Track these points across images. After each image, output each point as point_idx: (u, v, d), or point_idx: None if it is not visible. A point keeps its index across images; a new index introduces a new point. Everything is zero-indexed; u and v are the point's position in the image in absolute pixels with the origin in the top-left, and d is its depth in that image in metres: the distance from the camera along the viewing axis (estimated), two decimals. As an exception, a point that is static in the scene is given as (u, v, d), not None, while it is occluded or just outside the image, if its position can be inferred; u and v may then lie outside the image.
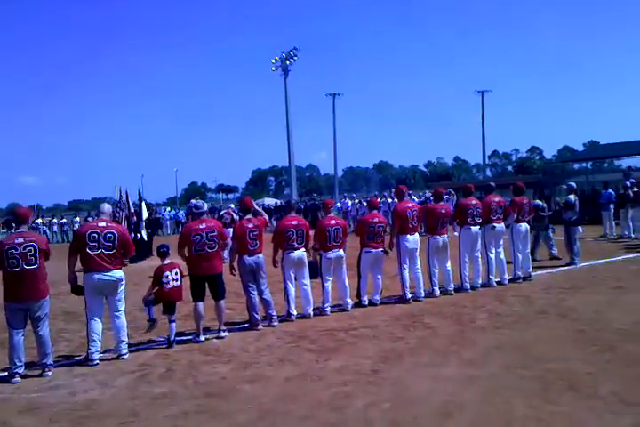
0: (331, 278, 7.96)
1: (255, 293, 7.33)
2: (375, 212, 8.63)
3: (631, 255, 12.17)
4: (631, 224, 15.28)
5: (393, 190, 9.08)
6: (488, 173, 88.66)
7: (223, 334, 6.89)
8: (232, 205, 13.52)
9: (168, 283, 6.55)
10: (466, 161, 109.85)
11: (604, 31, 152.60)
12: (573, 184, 11.90)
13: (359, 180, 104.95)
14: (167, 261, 6.73)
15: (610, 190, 16.71)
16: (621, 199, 15.77)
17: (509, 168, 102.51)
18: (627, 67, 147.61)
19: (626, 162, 34.30)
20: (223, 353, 6.21)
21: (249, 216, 7.51)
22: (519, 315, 7.22)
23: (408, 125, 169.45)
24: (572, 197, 11.30)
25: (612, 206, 16.26)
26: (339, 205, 26.45)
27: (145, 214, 15.59)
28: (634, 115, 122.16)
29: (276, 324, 7.32)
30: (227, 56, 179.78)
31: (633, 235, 15.12)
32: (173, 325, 6.60)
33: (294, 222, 7.72)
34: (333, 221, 8.04)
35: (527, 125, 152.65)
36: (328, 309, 7.87)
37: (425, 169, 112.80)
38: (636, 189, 15.09)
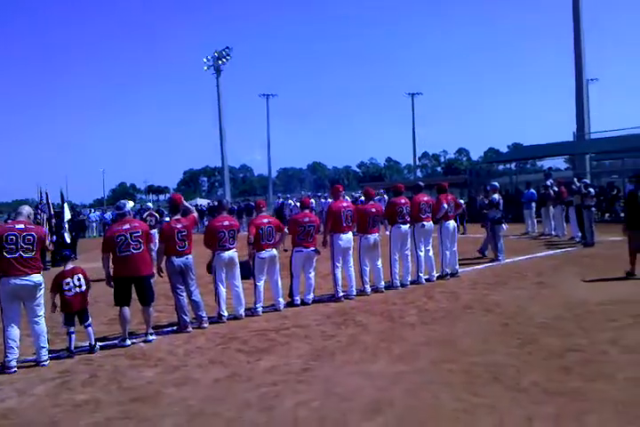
0: (264, 278, 7.89)
1: (184, 294, 7.15)
2: (307, 211, 8.63)
3: (551, 252, 12.76)
4: (552, 222, 16.02)
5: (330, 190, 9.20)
6: (418, 173, 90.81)
7: (151, 337, 6.68)
8: (150, 204, 12.91)
9: (70, 290, 6.25)
10: (397, 162, 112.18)
11: (529, 36, 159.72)
12: (496, 184, 12.37)
13: (293, 180, 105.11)
14: (69, 267, 6.43)
15: (532, 190, 17.48)
16: (542, 198, 16.52)
17: (438, 169, 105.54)
18: (549, 71, 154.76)
19: (547, 163, 36.01)
20: (150, 357, 6.01)
21: (178, 216, 7.31)
22: (447, 310, 7.41)
23: (341, 127, 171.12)
24: (496, 196, 11.71)
25: (533, 205, 17.01)
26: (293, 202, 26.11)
27: (67, 216, 14.91)
28: (555, 118, 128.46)
29: (206, 325, 7.17)
30: (157, 54, 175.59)
31: (553, 232, 15.85)
32: (90, 329, 6.33)
33: (226, 223, 7.59)
34: (266, 220, 7.97)
35: (455, 128, 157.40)
36: (260, 309, 7.79)
37: (358, 170, 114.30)
38: (555, 189, 15.83)
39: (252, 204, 25.67)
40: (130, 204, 7.22)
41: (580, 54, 24.73)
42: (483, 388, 4.55)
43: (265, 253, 7.80)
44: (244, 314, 7.61)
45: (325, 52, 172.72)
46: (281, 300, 8.02)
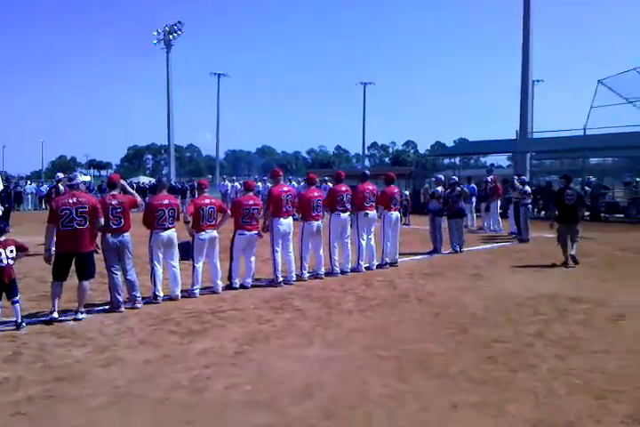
0: (202, 260, 7.78)
1: (119, 273, 6.96)
2: (251, 194, 8.54)
3: (488, 246, 13.16)
4: (490, 217, 16.49)
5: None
6: (367, 162, 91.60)
7: (81, 315, 6.48)
8: (60, 175, 12.25)
9: (1, 261, 6.00)
10: (346, 150, 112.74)
11: (481, 34, 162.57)
12: (441, 176, 12.61)
13: (241, 163, 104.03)
14: (2, 238, 6.15)
15: (473, 185, 17.89)
16: (482, 194, 16.97)
17: (386, 160, 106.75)
18: (498, 71, 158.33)
19: (490, 159, 36.93)
20: (79, 336, 5.84)
21: (114, 192, 7.07)
22: (383, 299, 7.53)
23: (293, 112, 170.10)
24: (439, 188, 11.92)
25: (473, 200, 17.44)
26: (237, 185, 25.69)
27: (0, 186, 14.24)
28: (501, 116, 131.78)
29: (139, 306, 7.02)
30: (106, 24, 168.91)
31: (491, 227, 16.33)
32: (17, 306, 6.07)
33: (165, 201, 7.41)
34: (207, 201, 7.84)
35: (405, 120, 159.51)
36: (197, 291, 7.69)
37: (307, 156, 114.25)
38: (493, 185, 16.29)
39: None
40: (84, 178, 6.93)
41: (527, 55, 25.37)
42: (411, 375, 4.66)
43: (205, 235, 7.68)
44: (180, 295, 7.49)
45: (281, 34, 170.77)
46: (219, 282, 7.94)
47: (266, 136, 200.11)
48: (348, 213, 9.39)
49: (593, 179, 22.21)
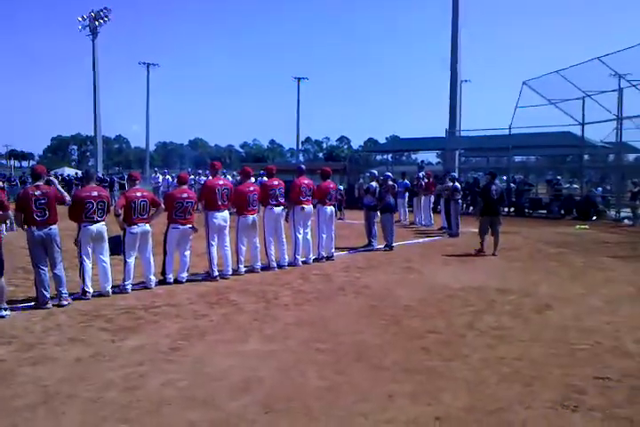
0: (134, 254, 7.55)
1: (46, 268, 6.65)
2: (184, 187, 8.36)
3: (420, 240, 13.48)
4: (422, 212, 16.90)
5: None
6: (301, 157, 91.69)
7: (4, 312, 6.15)
8: None
9: None
10: (281, 145, 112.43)
11: (412, 33, 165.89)
12: (375, 172, 12.73)
13: (172, 155, 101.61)
14: None
15: (405, 180, 18.27)
16: (414, 189, 17.38)
17: (320, 155, 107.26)
18: (430, 70, 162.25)
19: (421, 156, 37.86)
20: (3, 333, 5.55)
21: (38, 183, 6.72)
22: (320, 292, 7.57)
23: (227, 105, 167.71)
24: (373, 183, 12.04)
25: (406, 195, 17.82)
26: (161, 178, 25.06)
27: None
28: (431, 115, 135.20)
29: (66, 302, 6.72)
30: (28, 9, 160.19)
31: (423, 222, 16.74)
32: None
33: (94, 193, 7.13)
34: (139, 193, 7.61)
35: (339, 116, 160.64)
36: (129, 286, 7.46)
37: (241, 150, 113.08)
38: (426, 181, 16.71)
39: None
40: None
41: (455, 56, 26.17)
42: (348, 367, 4.71)
43: (136, 229, 7.45)
44: (110, 291, 7.24)
45: (216, 26, 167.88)
46: (152, 277, 7.74)
47: (198, 129, 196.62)
48: (282, 207, 9.37)
49: (518, 176, 23.20)
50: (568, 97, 19.24)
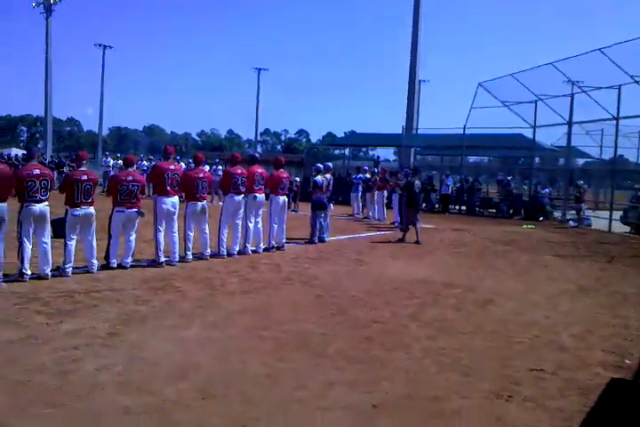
0: (75, 237, 7.30)
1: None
2: (131, 170, 8.13)
3: (372, 233, 13.57)
4: (375, 207, 17.02)
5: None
6: (259, 148, 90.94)
7: None
8: None
9: None
10: (239, 135, 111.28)
11: (374, 31, 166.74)
12: (320, 165, 12.12)
13: (126, 141, 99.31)
14: None
15: (360, 175, 18.36)
16: (368, 184, 17.48)
17: (278, 147, 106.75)
18: (390, 68, 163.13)
19: (378, 152, 38.15)
20: None
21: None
22: (267, 281, 7.51)
23: (184, 93, 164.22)
24: (318, 178, 11.56)
25: (360, 189, 17.91)
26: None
27: None
28: (390, 112, 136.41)
29: (4, 285, 6.45)
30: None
31: (376, 216, 16.87)
32: None
33: (36, 171, 6.85)
34: (85, 177, 7.34)
35: (298, 109, 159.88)
36: (69, 270, 7.21)
37: (198, 138, 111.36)
38: (381, 176, 16.84)
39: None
40: None
41: (415, 56, 26.49)
42: (290, 354, 4.68)
43: (79, 211, 7.20)
44: (50, 274, 6.99)
45: (177, 10, 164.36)
46: (94, 261, 7.49)
47: (154, 115, 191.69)
48: (242, 195, 9.26)
49: (469, 176, 23.65)
50: (521, 100, 19.68)
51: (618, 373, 4.56)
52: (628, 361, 4.84)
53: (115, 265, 7.78)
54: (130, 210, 7.77)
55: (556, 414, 3.74)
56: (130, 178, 7.84)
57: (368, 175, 17.96)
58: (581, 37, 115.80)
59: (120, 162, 24.26)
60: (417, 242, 11.64)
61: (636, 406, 3.99)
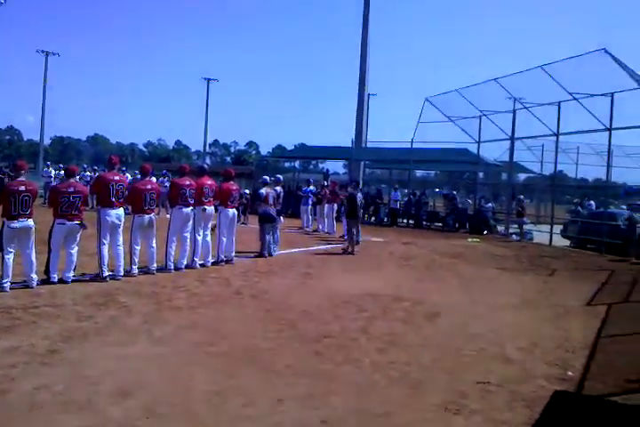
0: (13, 251, 7.00)
1: None
2: (72, 180, 7.88)
3: (322, 247, 13.58)
4: (325, 220, 17.09)
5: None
6: (207, 160, 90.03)
7: None
8: None
9: None
10: (187, 146, 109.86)
11: (319, 44, 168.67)
12: (267, 178, 12.00)
13: (69, 150, 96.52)
14: None
15: (310, 188, 18.42)
16: (318, 197, 17.56)
17: (228, 159, 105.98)
18: (340, 81, 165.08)
19: (328, 165, 38.41)
20: None
21: None
22: (216, 295, 7.39)
23: (129, 102, 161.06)
24: (263, 190, 11.46)
25: (310, 202, 17.96)
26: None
27: None
28: (340, 125, 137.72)
29: None
30: None
31: (326, 229, 16.92)
32: None
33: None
34: (23, 187, 7.06)
35: (248, 121, 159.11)
36: (7, 285, 6.89)
37: (144, 149, 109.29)
38: (331, 189, 16.94)
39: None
40: None
41: (363, 71, 26.91)
42: (238, 370, 4.61)
43: (17, 223, 6.92)
44: (-15, 289, 6.67)
45: (124, 19, 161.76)
46: (34, 276, 7.20)
47: (98, 125, 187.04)
48: (191, 207, 9.12)
49: (417, 190, 24.11)
50: (466, 115, 20.25)
51: (561, 385, 4.68)
52: (570, 373, 4.99)
53: (55, 280, 7.49)
54: (71, 222, 7.51)
55: (503, 427, 3.81)
56: (71, 189, 7.58)
57: (312, 188, 18.09)
58: (525, 54, 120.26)
59: (62, 173, 23.52)
60: (351, 252, 12.17)
61: (578, 418, 4.10)
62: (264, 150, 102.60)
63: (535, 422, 3.90)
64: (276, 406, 3.93)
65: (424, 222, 21.60)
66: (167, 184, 16.93)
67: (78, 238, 7.72)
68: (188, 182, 9.16)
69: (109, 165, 8.50)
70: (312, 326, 6.10)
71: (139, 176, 10.06)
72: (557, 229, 17.54)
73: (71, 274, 7.65)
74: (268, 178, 11.95)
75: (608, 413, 4.23)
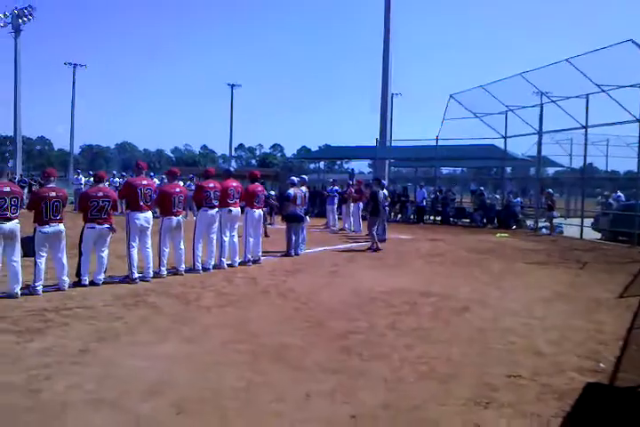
0: (45, 255, 7.15)
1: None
2: (101, 185, 8.02)
3: (348, 245, 13.57)
4: (351, 219, 17.06)
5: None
6: (233, 163, 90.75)
7: None
8: None
9: None
10: (213, 151, 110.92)
11: (347, 46, 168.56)
12: (294, 178, 12.07)
13: (99, 158, 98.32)
14: None
15: (336, 187, 18.42)
16: (344, 196, 17.55)
17: (253, 162, 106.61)
18: (362, 82, 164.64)
19: (353, 165, 38.39)
20: None
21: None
22: (244, 295, 7.44)
23: (156, 109, 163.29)
24: (291, 191, 11.48)
25: (335, 201, 17.96)
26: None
27: None
28: (364, 125, 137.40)
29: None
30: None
31: (352, 228, 16.90)
32: None
33: (6, 189, 6.71)
34: (53, 193, 7.20)
35: (272, 124, 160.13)
36: (40, 288, 7.05)
37: (171, 155, 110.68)
38: (357, 188, 16.91)
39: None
40: None
41: (387, 70, 26.80)
42: (267, 367, 4.62)
43: (48, 228, 7.06)
44: (19, 293, 6.82)
45: (144, 25, 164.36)
46: (65, 279, 7.34)
47: (126, 132, 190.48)
48: (217, 209, 9.21)
49: (443, 187, 23.92)
50: (492, 111, 20.00)
51: (593, 377, 4.59)
52: (602, 365, 4.89)
53: (86, 282, 7.63)
54: (101, 226, 7.64)
55: (534, 420, 3.74)
56: (100, 194, 7.72)
57: (337, 187, 18.15)
58: (550, 48, 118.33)
59: (91, 179, 23.96)
60: (376, 249, 12.22)
61: (610, 410, 4.01)
62: (289, 152, 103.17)
63: (567, 414, 3.82)
64: (305, 402, 3.93)
65: (451, 219, 21.41)
66: (193, 187, 17.16)
67: (108, 242, 7.85)
68: (212, 185, 9.24)
69: (137, 169, 8.63)
70: (340, 324, 6.09)
71: (166, 180, 10.20)
72: (588, 222, 17.19)
73: (102, 276, 7.77)
74: (295, 179, 12.00)
75: (644, 405, 4.13)
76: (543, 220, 18.50)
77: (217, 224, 9.28)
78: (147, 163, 9.62)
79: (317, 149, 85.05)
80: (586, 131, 16.39)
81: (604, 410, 4.01)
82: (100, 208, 7.61)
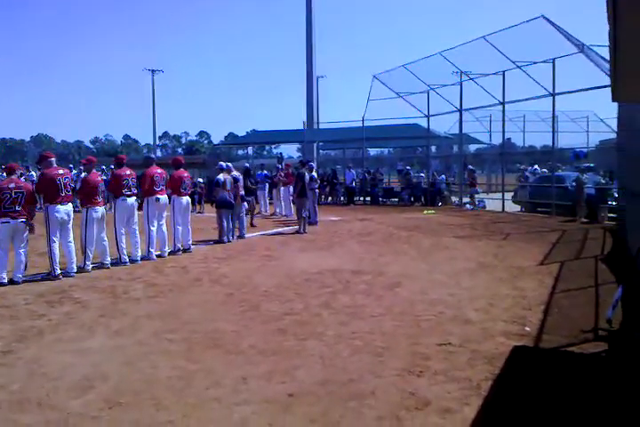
0: (-43, 254, 6.72)
1: None
2: (14, 177, 7.58)
3: (280, 229, 13.54)
4: (282, 202, 17.02)
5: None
6: (159, 153, 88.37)
7: None
8: None
9: None
10: (136, 140, 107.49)
11: (269, 31, 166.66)
12: (222, 164, 11.82)
13: (13, 153, 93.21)
14: None
15: (265, 172, 18.30)
16: (273, 181, 17.48)
17: (179, 150, 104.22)
18: (287, 65, 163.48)
19: (281, 150, 38.24)
20: None
21: None
22: (175, 284, 7.28)
23: (72, 97, 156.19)
24: (220, 176, 11.30)
25: (266, 186, 17.85)
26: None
27: None
28: (290, 109, 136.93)
29: None
30: None
31: (283, 212, 16.86)
32: None
33: None
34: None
35: (197, 111, 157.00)
36: (-47, 290, 6.64)
37: (91, 145, 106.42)
38: (286, 172, 16.86)
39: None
40: None
41: (310, 53, 26.81)
42: (201, 354, 4.56)
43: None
44: None
45: (63, 13, 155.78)
46: (-19, 278, 6.95)
47: (42, 124, 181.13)
48: (135, 197, 8.89)
49: (371, 168, 24.24)
50: (414, 90, 20.35)
51: (520, 340, 4.81)
52: (527, 329, 5.13)
53: (5, 281, 7.24)
54: (15, 220, 7.23)
55: (465, 384, 3.89)
56: (12, 185, 7.30)
57: (266, 172, 18.10)
58: (469, 27, 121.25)
59: (4, 174, 22.65)
60: (301, 232, 12.50)
61: (537, 370, 4.22)
62: (216, 139, 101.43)
63: (497, 376, 3.99)
64: (242, 385, 3.91)
65: (380, 199, 21.79)
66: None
67: (26, 237, 7.45)
68: (128, 172, 8.89)
69: (44, 161, 7.95)
70: (274, 306, 6.08)
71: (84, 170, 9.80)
72: (509, 196, 17.94)
73: (21, 274, 7.40)
74: (223, 164, 11.74)
75: (565, 363, 4.37)
76: (467, 196, 19.15)
77: (136, 213, 8.96)
78: (50, 153, 8.76)
79: (245, 134, 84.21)
80: (503, 107, 16.99)
81: (531, 371, 4.21)
82: (13, 200, 7.21)
